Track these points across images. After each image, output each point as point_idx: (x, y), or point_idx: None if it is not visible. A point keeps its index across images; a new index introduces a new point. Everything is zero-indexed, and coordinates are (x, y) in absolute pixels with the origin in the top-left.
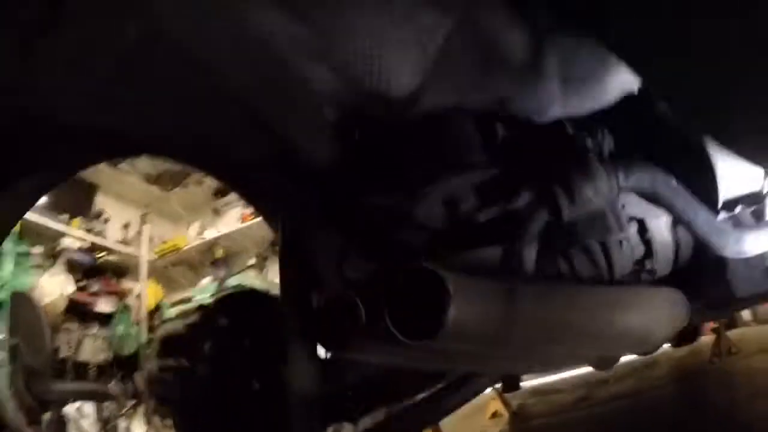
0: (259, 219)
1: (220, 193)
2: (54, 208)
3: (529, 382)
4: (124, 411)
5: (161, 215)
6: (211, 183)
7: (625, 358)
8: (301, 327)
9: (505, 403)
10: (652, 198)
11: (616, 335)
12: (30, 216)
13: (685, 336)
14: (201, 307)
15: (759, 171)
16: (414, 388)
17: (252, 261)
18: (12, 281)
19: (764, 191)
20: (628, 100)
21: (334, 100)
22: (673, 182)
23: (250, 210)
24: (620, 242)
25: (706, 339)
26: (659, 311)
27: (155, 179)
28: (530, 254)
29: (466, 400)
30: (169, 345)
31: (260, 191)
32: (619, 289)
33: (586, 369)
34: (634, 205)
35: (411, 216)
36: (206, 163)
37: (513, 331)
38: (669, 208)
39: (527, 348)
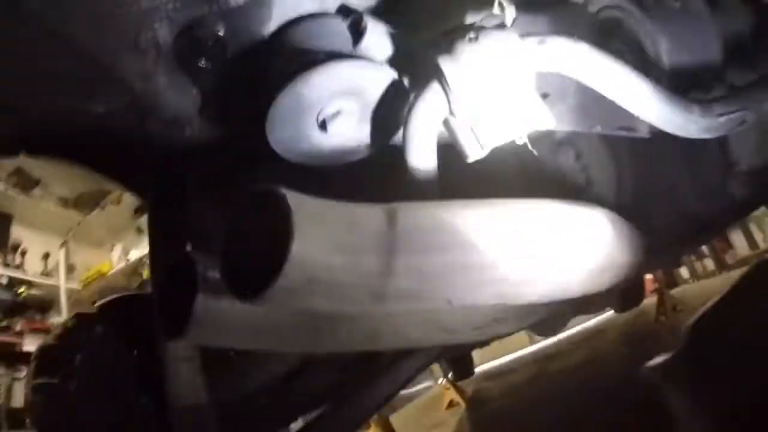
0: None
1: (140, 210)
2: None
3: (480, 368)
4: None
5: (82, 241)
6: (130, 201)
7: (572, 331)
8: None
9: (460, 391)
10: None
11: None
12: None
13: (628, 301)
14: (76, 316)
15: None
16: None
17: None
18: None
19: None
20: None
21: (165, 15)
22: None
23: None
24: None
25: (649, 301)
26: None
27: (73, 203)
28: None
29: (397, 389)
30: (43, 362)
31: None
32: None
33: (533, 347)
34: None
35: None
36: (73, 143)
37: (386, 281)
38: (602, 85)
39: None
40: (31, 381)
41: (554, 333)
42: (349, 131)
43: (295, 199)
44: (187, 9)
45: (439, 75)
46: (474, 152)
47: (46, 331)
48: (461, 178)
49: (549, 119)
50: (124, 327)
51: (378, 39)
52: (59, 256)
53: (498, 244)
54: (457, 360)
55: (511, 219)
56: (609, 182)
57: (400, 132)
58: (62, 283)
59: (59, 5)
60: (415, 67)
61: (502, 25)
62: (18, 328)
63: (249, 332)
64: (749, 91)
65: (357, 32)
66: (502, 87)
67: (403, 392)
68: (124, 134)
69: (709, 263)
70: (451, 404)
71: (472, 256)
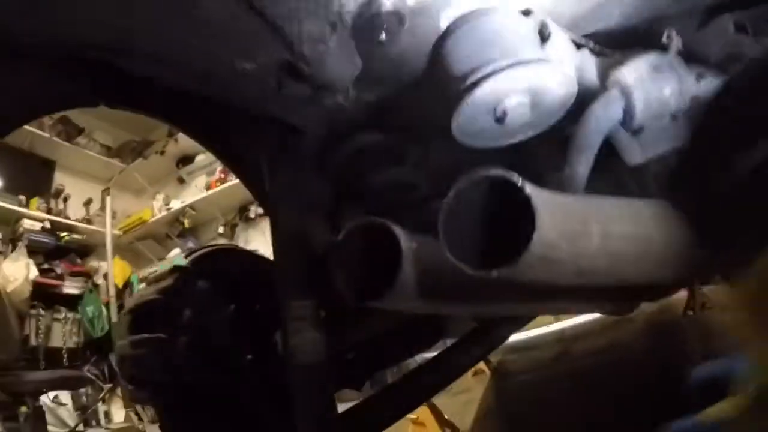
0: (226, 186)
1: (182, 162)
2: (10, 190)
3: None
4: (101, 396)
5: (124, 189)
6: (173, 151)
7: (599, 315)
8: (299, 282)
9: (487, 361)
10: None
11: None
12: None
13: (657, 291)
14: (175, 269)
15: None
16: (412, 349)
17: (221, 230)
18: None
19: None
20: None
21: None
22: None
23: (216, 177)
24: None
25: (678, 296)
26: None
27: (115, 152)
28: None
29: (478, 358)
30: (142, 316)
31: (244, 143)
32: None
33: (558, 325)
34: None
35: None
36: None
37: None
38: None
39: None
40: (127, 334)
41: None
42: (519, 123)
43: (532, 188)
44: None
45: (622, 86)
46: (634, 157)
47: (86, 274)
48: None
49: (683, 140)
50: (221, 281)
51: (563, 45)
52: (106, 202)
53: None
54: None
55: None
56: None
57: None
58: (108, 228)
59: None
60: (586, 77)
61: (668, 54)
62: (59, 271)
63: (440, 301)
64: None
65: (543, 36)
66: (664, 107)
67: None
68: (259, 94)
69: None
70: (476, 372)
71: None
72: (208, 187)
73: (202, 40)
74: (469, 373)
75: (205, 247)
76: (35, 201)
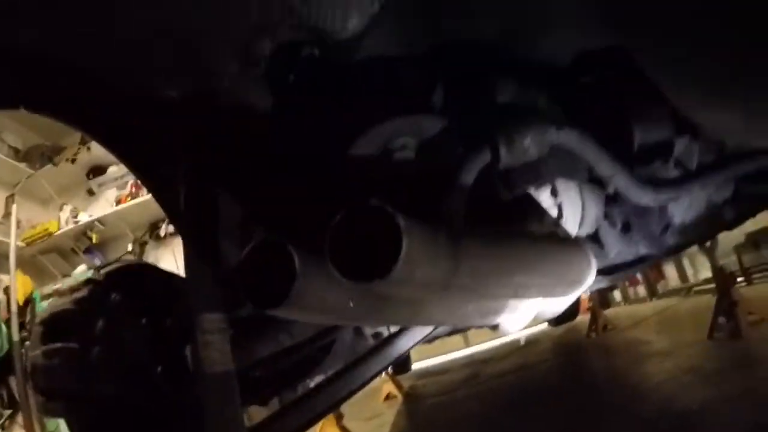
0: (137, 201)
1: (94, 172)
2: None
3: (417, 365)
4: (1, 423)
5: (29, 197)
6: (85, 159)
7: (507, 339)
8: (210, 297)
9: (398, 386)
10: (575, 154)
11: (537, 281)
12: None
13: (564, 316)
14: (89, 281)
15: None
16: (313, 370)
17: (130, 247)
18: None
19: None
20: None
21: (272, 31)
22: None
23: (127, 191)
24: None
25: (582, 318)
26: (571, 264)
27: (23, 155)
28: (462, 199)
29: (378, 371)
30: (56, 326)
31: (155, 154)
32: (545, 240)
33: (469, 350)
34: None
35: (347, 158)
36: (108, 110)
37: (456, 274)
38: (592, 162)
39: (464, 292)
40: (40, 345)
41: (512, 332)
42: (405, 157)
43: (402, 218)
44: (292, 32)
45: (494, 145)
46: (504, 194)
47: None
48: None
49: (552, 176)
50: (134, 295)
51: (440, 94)
52: (11, 210)
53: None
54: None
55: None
56: (574, 216)
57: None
58: (13, 238)
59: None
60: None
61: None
62: None
63: (328, 311)
64: (686, 183)
65: (426, 88)
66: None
67: None
68: (184, 122)
69: (641, 290)
70: (388, 396)
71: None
72: (118, 202)
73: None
74: (381, 398)
75: (118, 261)
76: None
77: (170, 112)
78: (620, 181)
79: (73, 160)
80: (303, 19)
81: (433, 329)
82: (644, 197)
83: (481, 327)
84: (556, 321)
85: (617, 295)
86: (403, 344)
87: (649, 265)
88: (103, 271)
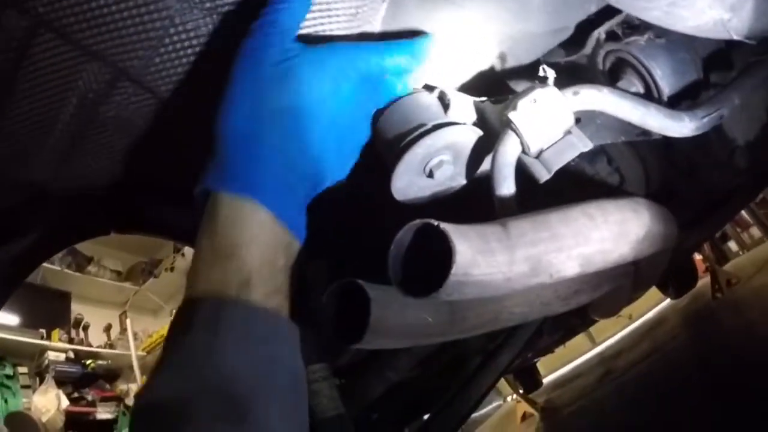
0: None
1: None
2: (29, 325)
3: (548, 378)
4: None
5: (140, 310)
6: (182, 265)
7: (633, 326)
8: (310, 349)
9: (532, 403)
10: (606, 114)
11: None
12: (7, 335)
13: (683, 286)
14: None
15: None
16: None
17: None
18: (2, 406)
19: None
20: None
21: None
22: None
23: None
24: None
25: (704, 281)
26: (646, 220)
27: (126, 276)
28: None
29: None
30: None
31: None
32: (598, 206)
33: (598, 348)
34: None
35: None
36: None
37: (514, 264)
38: (617, 114)
39: (530, 279)
40: None
41: (617, 311)
42: (447, 175)
43: (447, 225)
44: None
45: (512, 125)
46: (543, 175)
47: (117, 398)
48: (529, 196)
49: (587, 142)
50: None
51: (461, 106)
52: (126, 325)
53: (576, 230)
54: (524, 373)
55: (582, 211)
56: (638, 177)
57: (482, 168)
58: (133, 350)
59: None
60: (489, 123)
61: (546, 85)
62: (89, 398)
63: (405, 332)
64: (720, 95)
65: (444, 104)
66: (554, 127)
67: (474, 414)
68: None
69: (755, 231)
70: (525, 417)
71: (563, 241)
72: None
73: None
74: (517, 420)
75: None
76: (56, 333)
77: None
78: (653, 122)
79: (172, 269)
80: None
81: (531, 330)
82: (684, 128)
83: (569, 309)
84: (676, 292)
85: (733, 245)
86: (505, 356)
87: (744, 202)
88: None
